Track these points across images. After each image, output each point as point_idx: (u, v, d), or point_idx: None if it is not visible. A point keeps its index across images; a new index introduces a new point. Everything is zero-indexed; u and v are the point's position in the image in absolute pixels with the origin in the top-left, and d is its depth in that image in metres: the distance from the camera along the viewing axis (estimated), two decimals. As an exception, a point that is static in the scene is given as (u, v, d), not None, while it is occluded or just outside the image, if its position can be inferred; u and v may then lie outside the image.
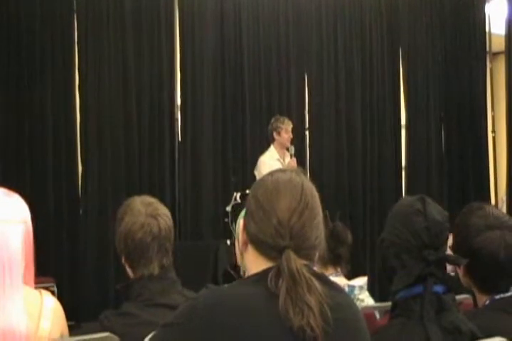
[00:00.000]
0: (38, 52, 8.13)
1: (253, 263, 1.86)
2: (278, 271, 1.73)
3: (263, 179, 1.93)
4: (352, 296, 3.39)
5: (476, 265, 2.56)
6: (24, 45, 8.07)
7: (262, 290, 1.72)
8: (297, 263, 1.74)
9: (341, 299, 1.81)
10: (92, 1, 8.44)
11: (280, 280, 1.71)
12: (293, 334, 1.67)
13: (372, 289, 7.68)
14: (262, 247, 1.82)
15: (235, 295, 1.74)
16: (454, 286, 2.40)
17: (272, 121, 8.22)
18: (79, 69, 8.34)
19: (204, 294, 1.78)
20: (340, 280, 3.51)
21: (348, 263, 3.82)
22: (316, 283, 1.73)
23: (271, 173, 1.95)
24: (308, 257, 1.81)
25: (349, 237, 3.88)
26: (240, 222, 1.93)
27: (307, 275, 1.73)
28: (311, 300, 1.69)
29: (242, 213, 2.72)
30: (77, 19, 8.39)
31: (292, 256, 1.75)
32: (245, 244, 1.89)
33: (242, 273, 2.67)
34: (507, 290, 2.60)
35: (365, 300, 3.63)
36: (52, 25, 8.23)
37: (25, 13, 8.10)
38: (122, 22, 8.61)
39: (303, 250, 1.79)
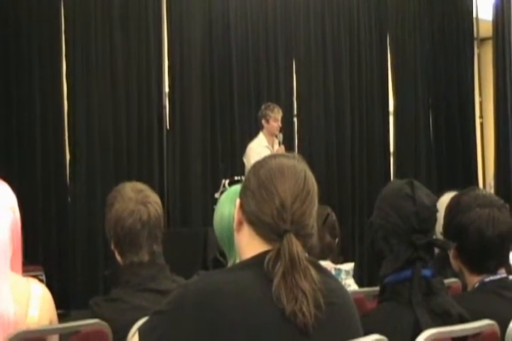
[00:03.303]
0: (26, 42, 8.08)
1: (248, 244, 1.83)
2: (278, 254, 1.71)
3: (265, 160, 1.89)
4: (339, 280, 3.40)
5: (465, 242, 2.58)
6: (11, 37, 8.02)
7: (256, 275, 1.70)
8: (298, 248, 1.72)
9: (333, 285, 1.80)
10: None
11: (278, 264, 1.69)
12: (285, 319, 1.66)
13: (360, 275, 7.71)
14: (261, 228, 1.79)
15: (227, 280, 1.71)
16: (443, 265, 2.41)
17: (263, 108, 8.21)
18: (66, 57, 8.29)
19: (195, 280, 1.77)
20: (327, 264, 3.51)
21: (338, 257, 3.81)
22: (312, 270, 1.72)
23: (273, 156, 1.93)
24: (303, 245, 1.77)
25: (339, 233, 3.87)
26: (236, 200, 1.89)
27: (305, 261, 1.72)
28: (306, 287, 1.68)
29: (223, 196, 2.71)
30: (64, 9, 8.34)
31: (294, 240, 1.73)
32: (240, 223, 1.85)
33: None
34: (496, 271, 2.62)
35: (352, 285, 3.64)
36: (39, 15, 8.18)
37: (12, 6, 8.05)
38: (110, 10, 8.57)
39: (300, 237, 1.76)
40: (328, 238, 3.64)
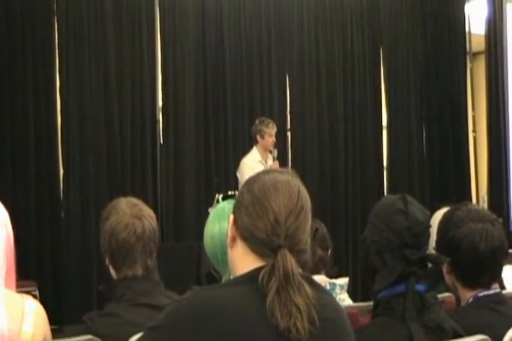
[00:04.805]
0: (19, 55, 8.07)
1: (242, 260, 1.83)
2: (272, 270, 1.71)
3: (259, 176, 1.89)
4: (333, 294, 3.39)
5: (458, 257, 2.58)
6: (5, 48, 8.02)
7: (250, 290, 1.71)
8: (293, 263, 1.73)
9: (326, 300, 1.80)
10: (72, 2, 8.40)
11: (272, 279, 1.70)
12: (278, 335, 1.66)
13: (354, 290, 7.70)
14: (255, 244, 1.79)
15: (221, 295, 1.72)
16: (436, 280, 2.41)
17: (257, 123, 8.19)
18: (60, 71, 8.29)
19: (189, 296, 1.77)
20: (321, 278, 3.51)
21: (331, 269, 3.80)
22: (306, 285, 1.72)
23: (267, 171, 1.93)
24: (296, 260, 1.77)
25: (330, 244, 3.86)
26: (230, 216, 1.89)
27: (299, 276, 1.72)
28: (300, 302, 1.68)
29: (211, 215, 2.70)
30: (57, 21, 8.34)
31: (288, 255, 1.73)
32: (234, 239, 1.85)
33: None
34: (489, 286, 2.62)
35: (346, 300, 3.63)
36: (33, 27, 8.18)
37: (6, 16, 8.05)
38: (103, 23, 8.57)
39: (294, 252, 1.76)
40: (319, 252, 3.63)
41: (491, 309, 2.56)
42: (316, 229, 3.62)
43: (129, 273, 2.70)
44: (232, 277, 1.94)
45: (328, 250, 3.72)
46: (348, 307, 2.93)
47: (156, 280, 2.75)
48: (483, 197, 10.93)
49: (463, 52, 11.44)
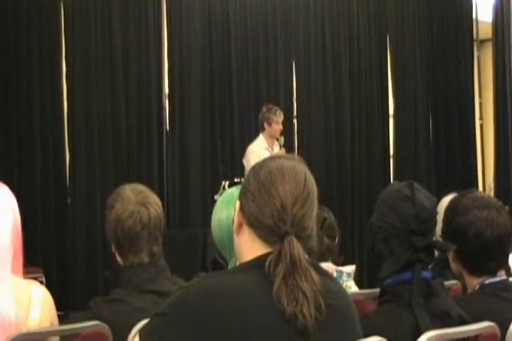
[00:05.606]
0: (25, 44, 8.06)
1: (248, 246, 1.82)
2: (279, 256, 1.71)
3: (265, 162, 1.88)
4: (340, 282, 3.39)
5: (464, 245, 2.58)
6: (10, 37, 8.01)
7: (257, 277, 1.70)
8: (299, 249, 1.72)
9: (333, 287, 1.80)
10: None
11: (279, 266, 1.69)
12: (285, 321, 1.66)
13: (360, 278, 7.71)
14: (261, 230, 1.79)
15: (228, 282, 1.72)
16: (442, 267, 2.41)
17: (264, 110, 8.18)
18: (66, 59, 8.28)
19: (196, 282, 1.77)
20: (328, 265, 3.51)
21: (338, 257, 3.80)
22: (313, 272, 1.72)
23: (273, 157, 1.92)
24: (303, 247, 1.77)
25: (338, 232, 3.86)
26: (236, 202, 1.88)
27: (306, 263, 1.72)
28: (307, 288, 1.68)
29: (219, 201, 2.68)
30: (64, 9, 8.33)
31: (295, 242, 1.73)
32: (240, 225, 1.85)
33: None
34: (496, 273, 2.62)
35: (352, 287, 3.64)
36: (39, 16, 8.17)
37: (12, 5, 8.04)
38: (109, 11, 8.56)
39: (300, 239, 1.76)
40: (326, 241, 3.63)
41: (497, 296, 2.56)
42: (325, 218, 3.61)
43: (135, 260, 2.70)
44: (238, 263, 1.93)
45: (335, 238, 3.72)
46: (355, 294, 2.93)
47: (162, 265, 2.75)
48: (489, 185, 10.91)
49: (470, 39, 11.41)
